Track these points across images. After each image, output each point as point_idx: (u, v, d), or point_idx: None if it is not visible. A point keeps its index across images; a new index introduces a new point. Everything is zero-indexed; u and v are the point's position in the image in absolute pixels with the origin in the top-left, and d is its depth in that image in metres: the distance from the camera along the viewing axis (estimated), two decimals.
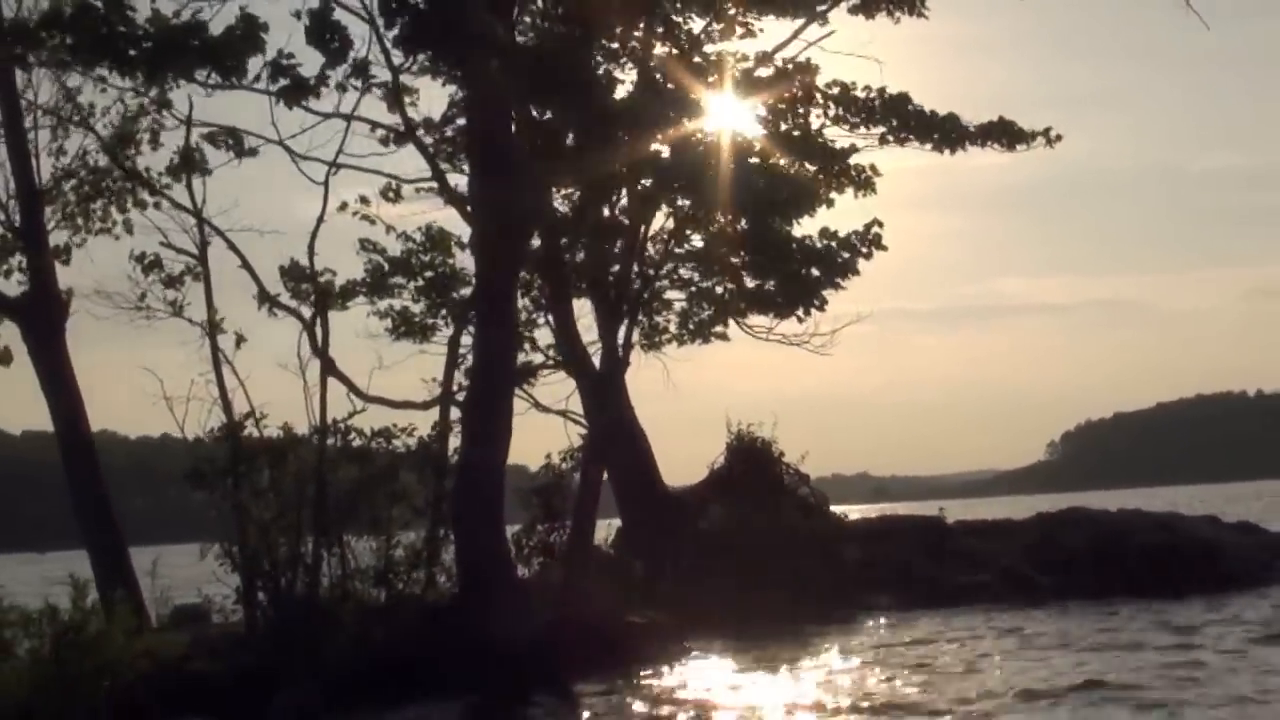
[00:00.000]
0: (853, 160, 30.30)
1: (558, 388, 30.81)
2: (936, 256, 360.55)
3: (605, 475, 28.36)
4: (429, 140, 26.58)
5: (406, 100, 24.39)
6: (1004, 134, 28.63)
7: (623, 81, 27.01)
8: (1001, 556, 32.27)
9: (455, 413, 23.71)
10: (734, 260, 31.10)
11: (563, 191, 28.47)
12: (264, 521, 21.65)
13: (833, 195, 30.40)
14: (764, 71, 29.48)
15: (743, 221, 30.04)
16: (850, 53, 29.02)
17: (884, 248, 30.32)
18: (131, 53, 19.01)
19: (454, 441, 23.23)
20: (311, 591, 21.55)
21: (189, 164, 22.26)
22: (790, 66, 29.75)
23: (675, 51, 29.56)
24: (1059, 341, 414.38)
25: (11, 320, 24.42)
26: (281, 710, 19.20)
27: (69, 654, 18.26)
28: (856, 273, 30.32)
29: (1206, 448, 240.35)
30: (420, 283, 30.20)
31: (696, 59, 29.98)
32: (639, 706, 18.79)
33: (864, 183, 30.44)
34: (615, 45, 28.78)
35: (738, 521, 30.75)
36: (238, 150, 21.71)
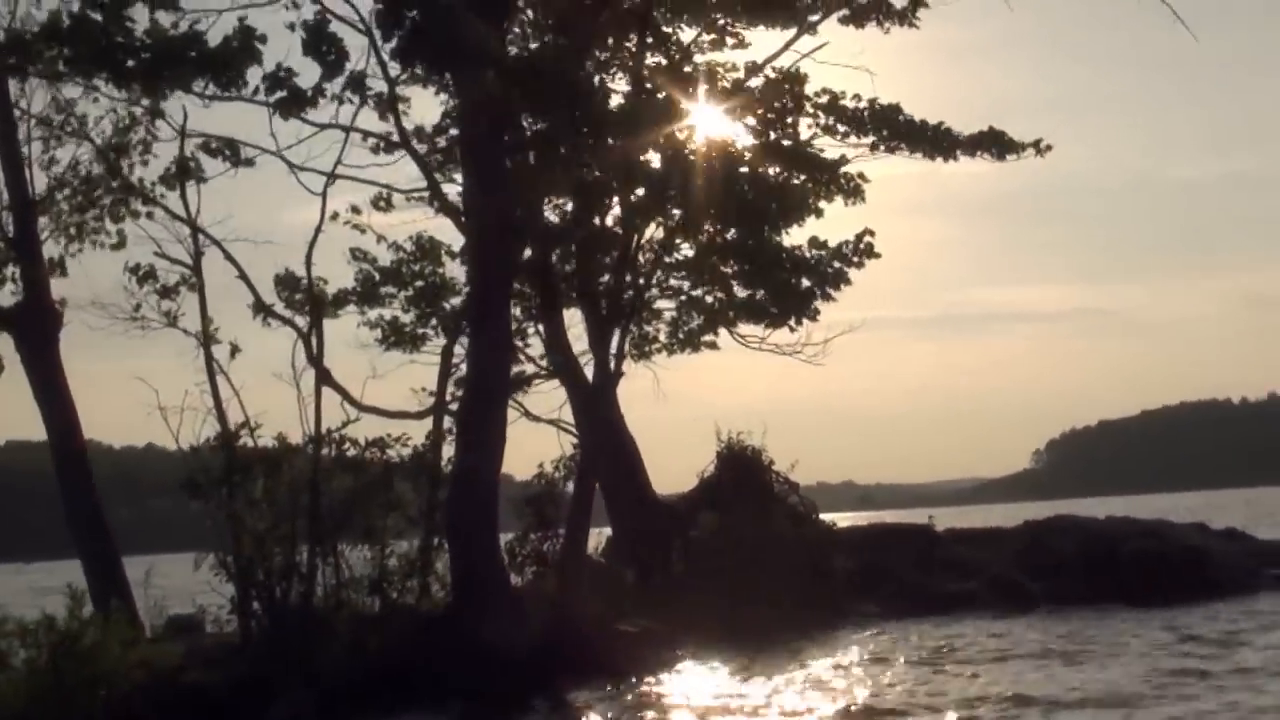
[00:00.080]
0: (843, 169, 30.38)
1: (547, 397, 30.96)
2: (921, 264, 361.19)
3: (596, 484, 28.41)
4: (422, 149, 26.63)
5: (399, 109, 24.46)
6: (994, 144, 28.74)
7: (616, 91, 27.09)
8: (991, 564, 32.45)
9: (448, 422, 23.75)
10: (724, 270, 31.18)
11: (554, 201, 28.55)
12: (259, 531, 21.65)
13: (822, 204, 30.53)
14: (755, 82, 29.54)
15: (732, 231, 30.14)
16: (843, 64, 29.09)
17: (876, 256, 30.47)
18: (130, 64, 19.06)
19: (448, 451, 23.28)
20: (306, 601, 21.58)
21: (185, 173, 22.29)
22: (780, 76, 29.85)
23: (665, 61, 29.69)
24: (1043, 350, 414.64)
25: (5, 331, 24.45)
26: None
27: (66, 664, 18.34)
28: (849, 282, 30.44)
29: (1191, 455, 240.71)
30: (410, 292, 30.27)
31: (687, 69, 30.14)
32: (634, 714, 18.87)
33: (853, 190, 30.54)
34: (605, 55, 28.91)
35: (728, 530, 30.79)
36: (234, 160, 21.76)
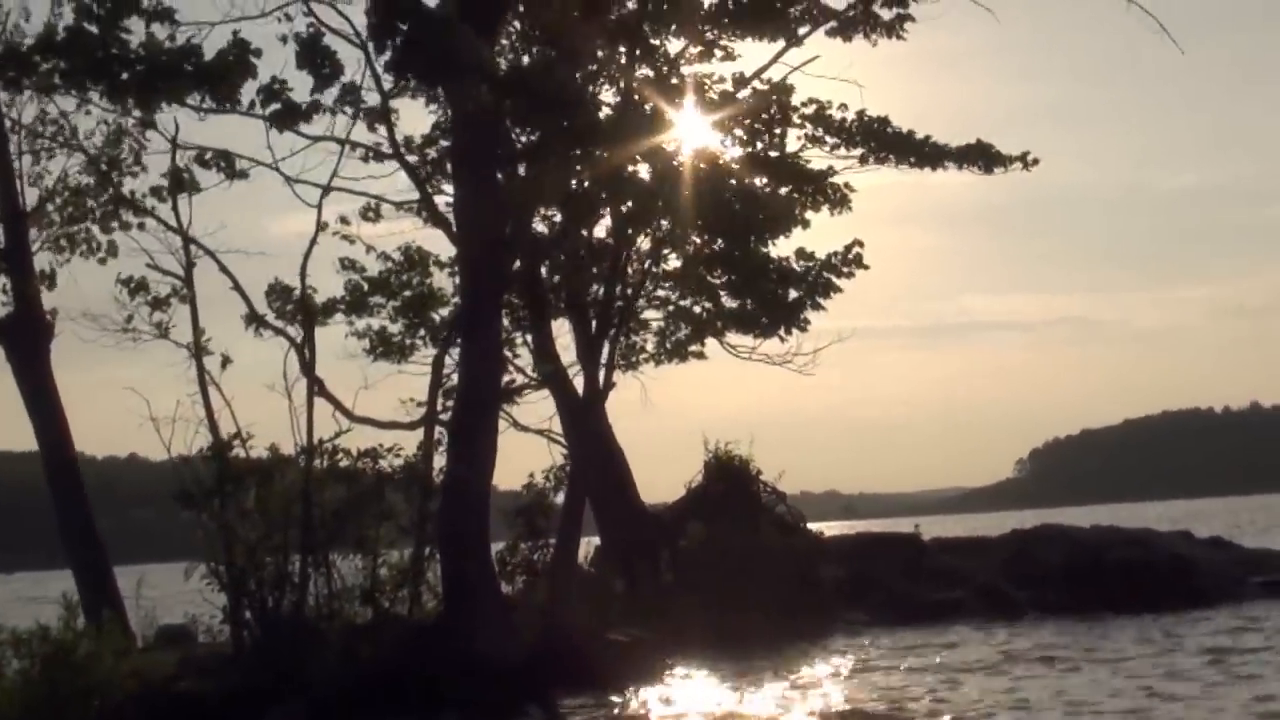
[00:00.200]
0: (829, 179, 30.50)
1: (536, 407, 31.00)
2: (904, 273, 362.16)
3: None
4: (412, 160, 26.72)
5: (384, 120, 24.50)
6: (982, 157, 28.88)
7: (605, 104, 27.16)
8: (978, 573, 32.62)
9: (439, 432, 23.82)
10: (711, 280, 31.29)
11: (543, 213, 28.64)
12: (251, 541, 21.70)
13: (808, 215, 30.65)
14: (743, 94, 29.68)
15: (719, 242, 30.25)
16: (832, 76, 29.23)
17: (865, 267, 30.62)
18: (125, 76, 19.12)
19: (439, 461, 23.32)
20: (299, 610, 21.63)
21: (179, 185, 22.34)
22: (766, 86, 29.97)
23: (652, 73, 29.80)
24: (1027, 359, 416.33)
25: None
26: None
27: (60, 674, 18.40)
28: (839, 290, 30.60)
29: (1174, 464, 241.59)
30: (398, 303, 30.32)
31: (674, 80, 30.25)
32: None
33: (840, 201, 30.67)
34: (593, 67, 28.98)
35: (716, 540, 30.90)
36: (229, 172, 21.81)
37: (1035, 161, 29.16)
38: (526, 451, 30.56)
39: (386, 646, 21.60)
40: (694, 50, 30.23)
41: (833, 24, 28.59)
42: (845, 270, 30.47)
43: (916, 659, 24.11)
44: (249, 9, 20.55)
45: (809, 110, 30.14)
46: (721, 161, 29.35)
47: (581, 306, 32.23)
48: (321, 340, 23.77)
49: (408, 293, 30.07)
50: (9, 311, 24.75)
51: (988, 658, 23.77)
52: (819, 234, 31.06)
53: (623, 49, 26.24)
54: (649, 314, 33.15)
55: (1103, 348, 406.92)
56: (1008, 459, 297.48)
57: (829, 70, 29.15)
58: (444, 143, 28.28)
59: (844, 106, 29.91)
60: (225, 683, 20.64)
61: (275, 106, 19.97)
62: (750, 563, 30.01)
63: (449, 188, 27.50)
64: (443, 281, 30.07)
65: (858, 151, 29.50)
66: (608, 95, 28.87)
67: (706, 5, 29.06)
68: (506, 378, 27.08)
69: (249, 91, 19.86)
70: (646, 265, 30.39)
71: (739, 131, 30.30)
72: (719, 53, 30.16)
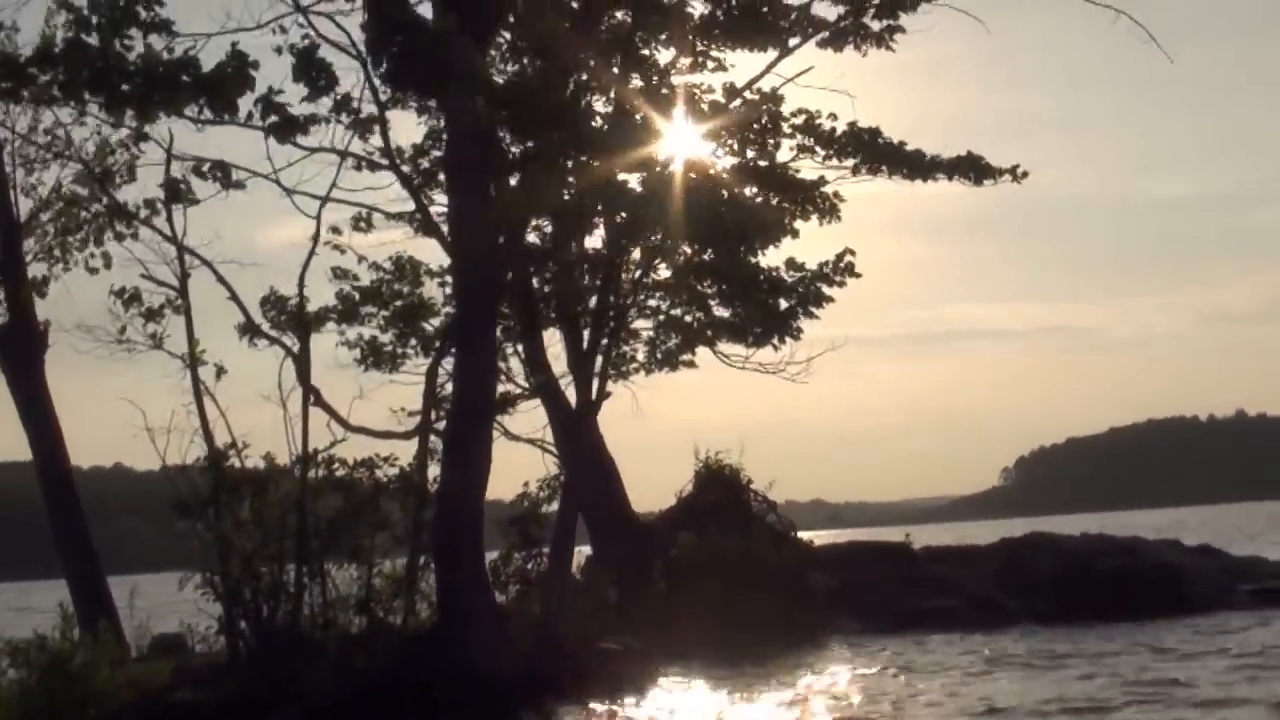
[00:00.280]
0: (819, 189, 30.61)
1: (527, 417, 31.08)
2: (889, 282, 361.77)
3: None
4: (405, 170, 26.78)
5: (377, 131, 24.59)
6: (972, 169, 29.00)
7: (598, 113, 27.29)
8: (969, 581, 32.76)
9: (434, 442, 23.89)
10: (702, 290, 31.40)
11: (534, 223, 28.73)
12: (246, 551, 21.75)
13: (798, 225, 30.75)
14: (734, 104, 29.79)
15: (708, 252, 30.34)
16: (823, 87, 29.33)
17: (857, 275, 30.73)
18: (124, 88, 19.18)
19: (433, 470, 23.39)
20: (294, 620, 21.68)
21: (175, 196, 22.39)
22: (756, 96, 30.10)
23: (644, 84, 29.92)
24: (1012, 367, 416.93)
25: None
26: None
27: (57, 684, 18.46)
28: (831, 300, 30.73)
29: (1160, 473, 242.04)
30: (389, 312, 30.37)
31: (664, 90, 30.38)
32: None
33: (829, 210, 30.78)
34: (584, 77, 29.09)
35: (708, 549, 31.01)
36: (225, 183, 21.87)
37: (1025, 174, 29.30)
38: (517, 461, 30.72)
39: (381, 656, 21.69)
40: (685, 61, 30.34)
41: (823, 35, 28.73)
42: (837, 279, 30.58)
43: (908, 666, 24.22)
44: (245, 21, 20.63)
45: (798, 120, 30.27)
46: (713, 171, 29.44)
47: (573, 316, 32.32)
48: (314, 350, 23.82)
49: (399, 302, 30.13)
50: (4, 322, 24.79)
51: (979, 664, 23.91)
52: (809, 243, 31.19)
53: (616, 59, 26.30)
54: (639, 323, 33.26)
55: (1088, 356, 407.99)
56: (994, 468, 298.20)
57: (821, 81, 29.24)
58: (436, 153, 28.38)
59: (834, 116, 30.05)
60: (221, 692, 20.72)
61: (274, 119, 20.03)
62: (742, 572, 30.12)
63: (441, 198, 27.67)
64: (433, 291, 30.23)
65: (850, 162, 29.61)
66: (599, 105, 29.06)
67: (697, 16, 29.20)
68: (501, 388, 27.16)
69: (246, 103, 19.89)
70: (637, 275, 30.51)
71: (729, 140, 30.41)
72: (710, 63, 30.25)
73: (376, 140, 23.13)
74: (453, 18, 20.31)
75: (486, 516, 23.85)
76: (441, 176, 28.31)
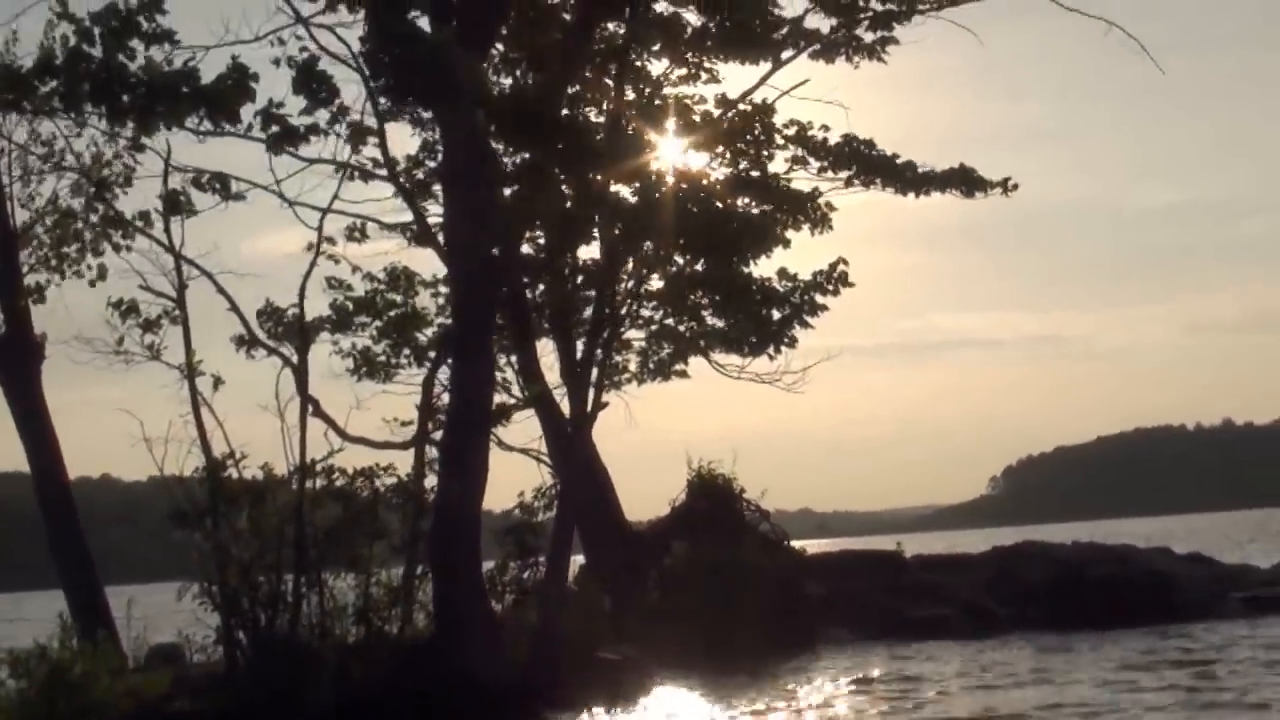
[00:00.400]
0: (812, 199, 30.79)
1: (521, 427, 31.20)
2: (876, 291, 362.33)
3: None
4: (401, 180, 26.91)
5: (373, 141, 24.71)
6: (964, 182, 29.21)
7: (594, 126, 27.46)
8: (961, 590, 32.91)
9: (431, 451, 23.98)
10: (695, 300, 31.55)
11: (529, 234, 28.89)
12: (245, 561, 21.81)
13: (789, 234, 30.93)
14: (728, 114, 29.99)
15: (700, 263, 30.50)
16: (817, 99, 29.58)
17: (851, 285, 30.92)
18: (125, 99, 19.28)
19: (430, 480, 23.47)
20: (292, 630, 21.75)
21: (175, 207, 22.47)
22: (749, 108, 30.28)
23: (637, 95, 30.11)
24: (1000, 376, 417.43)
25: None
26: None
27: (57, 693, 18.55)
28: (825, 308, 30.93)
29: (1148, 481, 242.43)
30: (382, 322, 30.49)
31: (657, 101, 30.59)
32: None
33: (820, 220, 30.97)
34: (578, 89, 29.27)
35: (702, 558, 31.09)
36: (224, 194, 21.97)
37: (1015, 187, 29.53)
38: (510, 471, 30.80)
39: (378, 665, 21.76)
40: (679, 72, 30.55)
41: (815, 47, 28.92)
42: (830, 288, 30.77)
43: (902, 674, 24.34)
44: (243, 34, 20.75)
45: (790, 131, 30.47)
46: (706, 181, 29.61)
47: (566, 327, 32.49)
48: (310, 360, 23.88)
49: (392, 312, 30.24)
50: (0, 333, 24.84)
51: (972, 672, 24.03)
52: (800, 253, 31.41)
53: (612, 70, 26.47)
54: (631, 333, 33.39)
55: (1076, 365, 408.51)
56: (982, 476, 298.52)
57: (815, 92, 29.49)
58: (431, 163, 28.52)
59: (825, 128, 30.25)
60: (219, 702, 20.80)
61: (274, 129, 20.15)
62: (735, 581, 30.19)
63: (435, 208, 27.83)
64: (426, 301, 30.38)
65: (844, 174, 29.81)
66: (592, 116, 29.23)
67: (690, 29, 29.37)
68: (496, 399, 27.25)
69: (246, 114, 20.02)
70: (630, 285, 30.64)
71: (722, 150, 30.56)
72: (704, 75, 30.43)
73: (369, 151, 23.35)
74: (451, 30, 20.45)
75: (483, 526, 23.95)
76: (436, 187, 28.53)
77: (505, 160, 26.45)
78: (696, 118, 30.69)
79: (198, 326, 23.33)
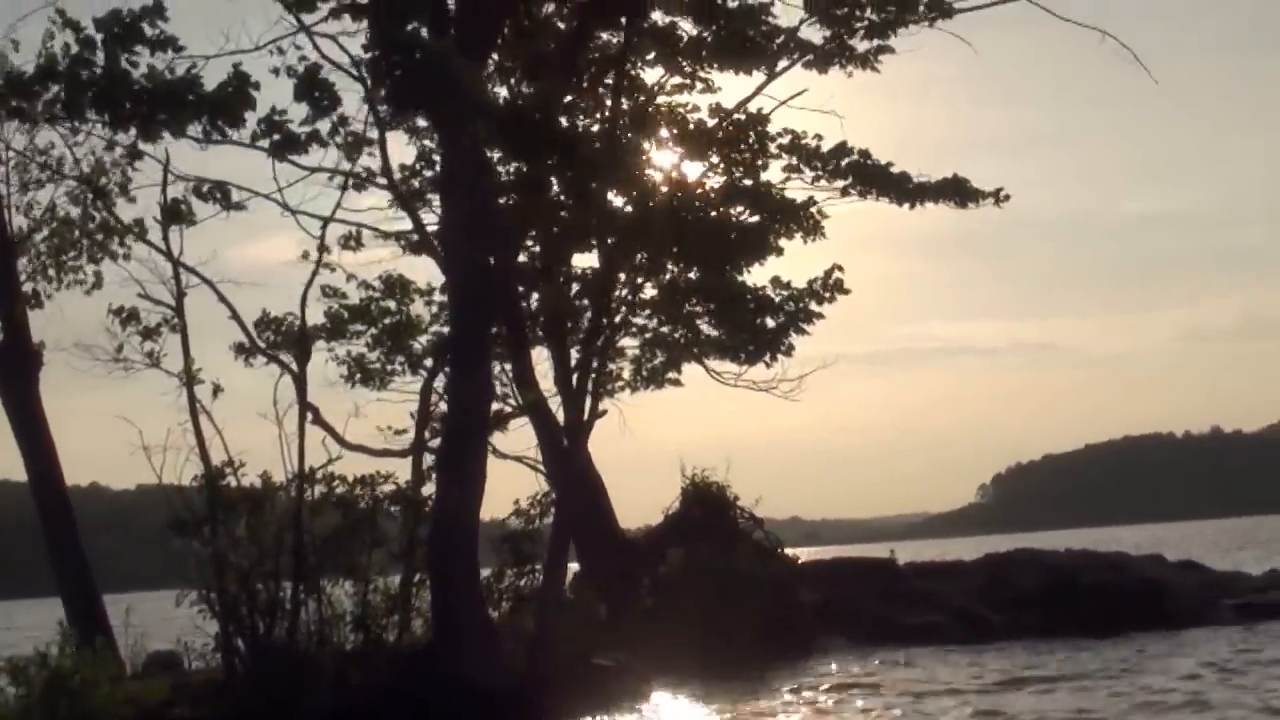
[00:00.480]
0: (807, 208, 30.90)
1: (514, 435, 31.29)
2: (865, 300, 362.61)
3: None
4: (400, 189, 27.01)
5: (367, 151, 24.83)
6: (957, 192, 29.32)
7: (589, 136, 27.57)
8: (954, 596, 33.02)
9: (428, 459, 24.07)
10: (689, 308, 31.65)
11: (526, 244, 28.99)
12: (243, 568, 21.87)
13: (782, 242, 31.03)
14: (724, 124, 30.10)
15: (693, 271, 30.59)
16: (815, 109, 29.71)
17: (846, 291, 31.03)
18: (127, 105, 19.36)
19: (427, 488, 23.55)
20: (290, 637, 21.80)
21: (176, 216, 22.53)
22: (743, 117, 30.40)
23: (631, 104, 30.22)
24: (989, 385, 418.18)
25: None
26: None
27: (58, 700, 18.60)
28: (821, 316, 31.05)
29: (1136, 489, 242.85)
30: (377, 330, 30.58)
31: (651, 110, 30.69)
32: None
33: (813, 228, 31.08)
34: (574, 98, 29.37)
35: (696, 565, 31.18)
36: (225, 204, 22.04)
37: (1007, 198, 29.63)
38: (505, 479, 30.88)
39: (376, 672, 21.83)
40: (674, 81, 30.65)
41: (809, 57, 29.03)
42: (827, 295, 30.90)
43: (896, 680, 24.44)
44: (243, 43, 20.86)
45: (784, 140, 30.57)
46: (700, 190, 29.72)
47: (560, 335, 32.58)
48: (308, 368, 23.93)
49: (387, 320, 30.34)
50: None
51: (966, 678, 24.12)
52: (792, 261, 31.51)
53: (609, 81, 26.58)
54: (625, 341, 33.48)
55: (1065, 373, 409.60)
56: (971, 484, 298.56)
57: (810, 102, 29.59)
58: (427, 172, 28.62)
59: (819, 137, 30.37)
60: (218, 709, 20.86)
61: (275, 137, 20.24)
62: (730, 588, 30.28)
63: (429, 217, 27.93)
64: (419, 309, 30.50)
65: (840, 184, 29.92)
66: (587, 126, 29.34)
67: (685, 39, 29.49)
68: (494, 406, 27.35)
69: (247, 122, 20.10)
70: (624, 294, 30.73)
71: (716, 160, 30.67)
72: (699, 85, 30.55)
73: (367, 160, 23.44)
74: (450, 39, 20.54)
75: (480, 533, 24.01)
76: (430, 196, 28.64)
77: (500, 169, 26.64)
78: (690, 126, 30.82)
79: (194, 334, 23.44)
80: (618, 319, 28.51)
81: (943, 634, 31.15)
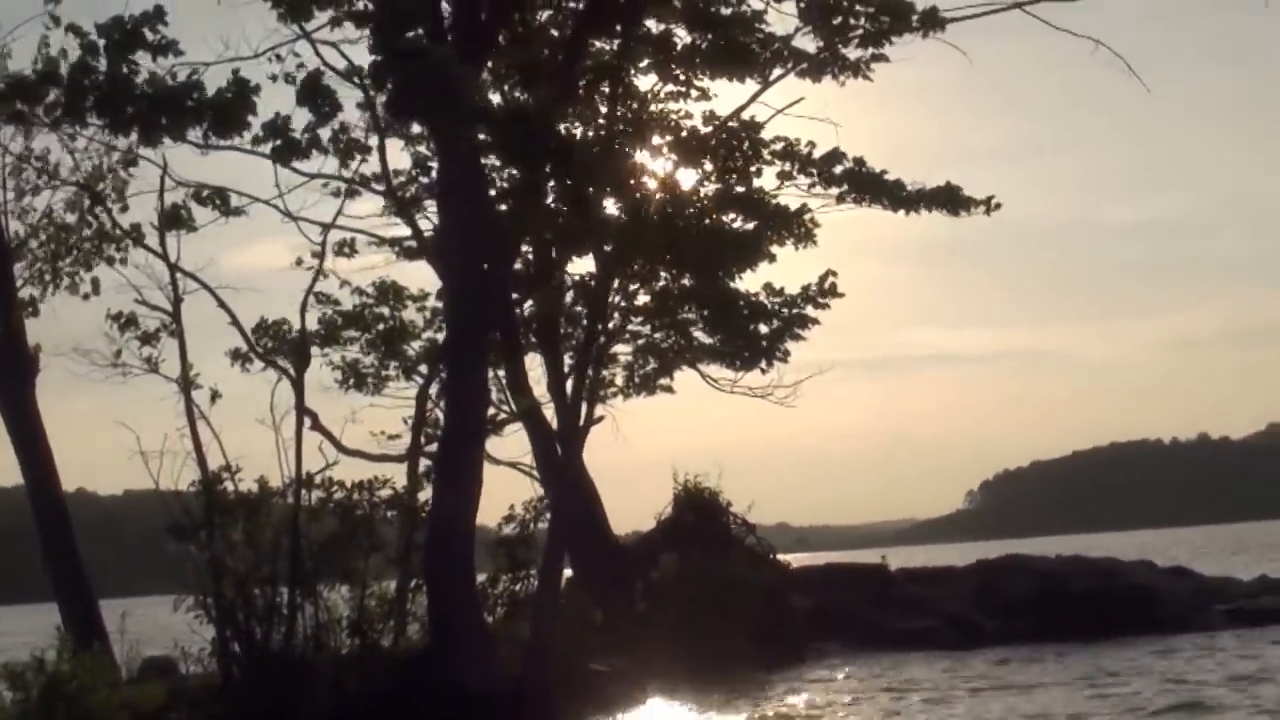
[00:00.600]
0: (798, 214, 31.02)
1: (507, 440, 31.35)
2: (853, 306, 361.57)
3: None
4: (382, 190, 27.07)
5: (360, 157, 24.90)
6: (949, 200, 29.45)
7: (585, 143, 27.63)
8: (946, 602, 33.14)
9: (424, 464, 24.13)
10: (684, 315, 31.75)
11: (522, 251, 29.07)
12: (240, 573, 21.92)
13: (774, 249, 31.14)
14: (719, 132, 30.21)
15: (686, 278, 30.68)
16: (812, 117, 29.85)
17: (840, 295, 31.17)
18: (129, 110, 19.44)
19: (424, 494, 23.61)
20: (287, 642, 21.85)
21: (175, 221, 22.56)
22: (736, 124, 30.50)
23: (624, 111, 30.31)
24: (976, 391, 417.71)
25: None
26: None
27: (55, 705, 18.66)
28: (817, 322, 31.22)
29: (1123, 496, 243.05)
30: (371, 335, 30.65)
31: (645, 117, 30.78)
32: None
33: (805, 235, 31.19)
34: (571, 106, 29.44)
35: (689, 571, 31.25)
36: (224, 209, 22.11)
37: (998, 206, 29.77)
38: (498, 485, 30.93)
39: (373, 677, 21.89)
40: (668, 89, 30.76)
41: (803, 65, 29.15)
42: (822, 301, 31.04)
43: (889, 685, 24.55)
44: (242, 50, 20.97)
45: (777, 148, 30.69)
46: (695, 197, 29.80)
47: (553, 341, 32.66)
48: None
49: (380, 325, 30.42)
50: None
51: (959, 683, 24.22)
52: (784, 268, 31.63)
53: (603, 88, 26.65)
54: (618, 348, 33.55)
55: (1052, 380, 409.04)
56: (959, 490, 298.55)
57: (805, 109, 29.73)
58: (423, 179, 28.70)
59: (812, 144, 30.46)
60: (215, 714, 20.92)
61: (276, 142, 20.34)
62: (722, 593, 30.35)
63: (425, 223, 28.01)
64: (412, 315, 30.58)
65: (834, 191, 30.05)
66: (582, 133, 29.40)
67: (680, 46, 29.59)
68: (489, 412, 27.41)
69: (248, 127, 20.20)
70: (618, 301, 30.82)
71: (709, 167, 30.76)
72: (694, 92, 30.65)
73: (362, 167, 23.54)
74: (449, 46, 20.65)
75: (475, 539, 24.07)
76: (426, 202, 28.72)
77: (494, 175, 26.72)
78: (684, 133, 30.90)
79: (190, 340, 23.47)
80: (612, 325, 28.58)
81: (935, 639, 31.27)
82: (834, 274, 31.15)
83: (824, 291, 31.05)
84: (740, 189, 30.77)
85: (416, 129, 26.52)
